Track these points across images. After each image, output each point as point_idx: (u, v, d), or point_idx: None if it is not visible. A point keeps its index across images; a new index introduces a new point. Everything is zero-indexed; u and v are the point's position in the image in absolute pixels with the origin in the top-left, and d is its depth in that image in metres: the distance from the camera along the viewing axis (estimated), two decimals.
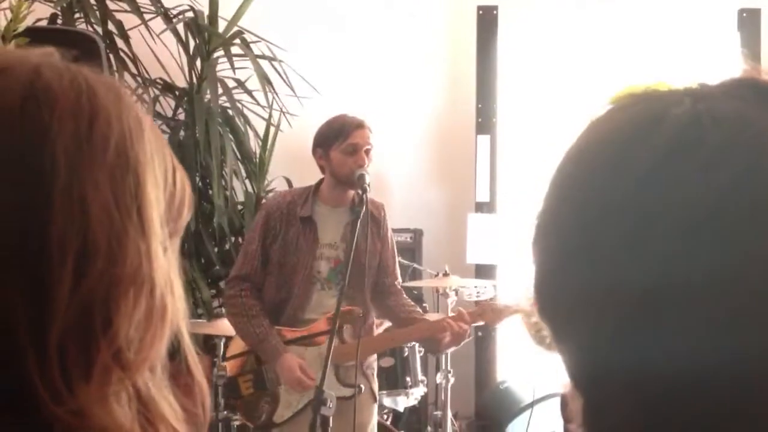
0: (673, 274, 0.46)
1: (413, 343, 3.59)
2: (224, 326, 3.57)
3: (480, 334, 4.73)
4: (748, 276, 0.46)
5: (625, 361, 0.48)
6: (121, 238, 0.60)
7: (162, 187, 0.65)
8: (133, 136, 0.63)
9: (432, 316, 3.32)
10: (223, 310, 3.18)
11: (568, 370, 0.52)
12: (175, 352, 0.67)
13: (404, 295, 3.20)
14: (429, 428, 4.17)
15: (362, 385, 2.98)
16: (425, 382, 3.65)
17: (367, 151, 2.99)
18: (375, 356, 3.17)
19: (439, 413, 4.01)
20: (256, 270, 3.00)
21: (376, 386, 3.15)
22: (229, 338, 3.87)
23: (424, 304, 4.15)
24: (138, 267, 0.60)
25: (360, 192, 2.91)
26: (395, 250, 3.20)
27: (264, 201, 3.87)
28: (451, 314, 3.17)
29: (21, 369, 0.56)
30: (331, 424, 2.63)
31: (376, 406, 3.12)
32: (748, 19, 4.81)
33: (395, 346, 3.31)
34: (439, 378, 3.95)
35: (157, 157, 0.65)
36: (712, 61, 4.74)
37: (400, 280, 3.21)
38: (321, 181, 3.10)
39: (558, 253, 0.52)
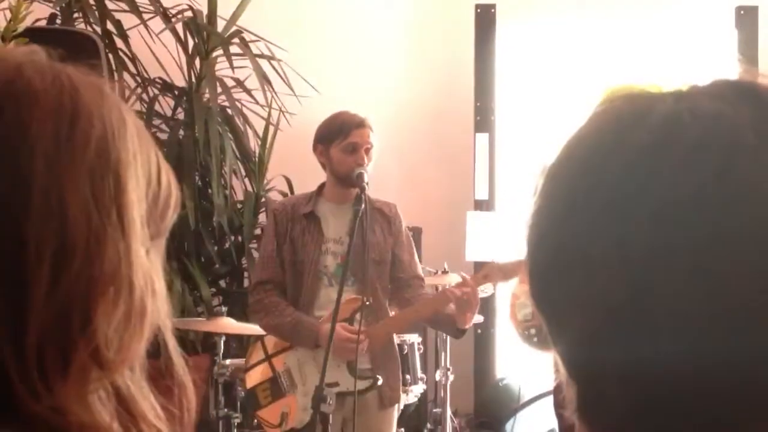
0: (656, 271, 0.47)
1: (415, 336, 3.59)
2: (224, 324, 3.58)
3: (479, 331, 4.74)
4: (730, 270, 0.47)
5: (617, 357, 0.49)
6: (99, 238, 0.60)
7: (144, 188, 0.65)
8: (116, 136, 0.63)
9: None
10: (251, 318, 3.16)
11: (563, 362, 0.53)
12: (158, 351, 0.68)
13: (424, 290, 3.18)
14: (429, 425, 4.19)
15: (379, 376, 2.98)
16: (425, 380, 3.66)
17: (367, 150, 2.99)
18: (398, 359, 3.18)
19: (438, 410, 4.03)
20: (276, 272, 3.00)
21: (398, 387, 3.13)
22: (230, 337, 3.89)
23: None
24: (117, 267, 0.60)
25: (359, 191, 2.92)
26: (412, 247, 3.19)
27: (269, 204, 3.87)
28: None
29: (2, 367, 0.57)
30: (331, 421, 2.63)
31: (393, 412, 3.10)
32: (746, 17, 4.82)
33: (405, 329, 3.29)
34: (438, 375, 3.96)
35: (140, 156, 0.65)
36: (710, 58, 4.75)
37: (421, 274, 3.18)
38: (324, 183, 3.12)
39: (550, 252, 0.53)
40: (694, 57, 4.73)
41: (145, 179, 0.65)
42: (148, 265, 0.64)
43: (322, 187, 3.11)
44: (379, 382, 2.96)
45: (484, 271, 3.09)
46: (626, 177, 0.49)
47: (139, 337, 0.63)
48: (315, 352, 2.90)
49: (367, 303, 2.91)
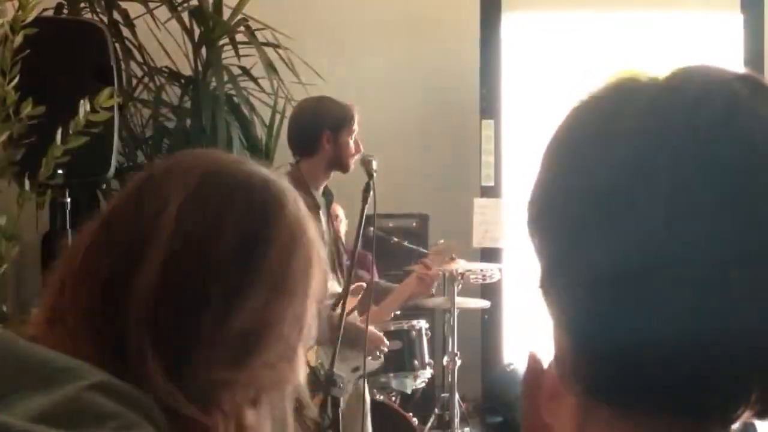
0: (658, 251, 0.49)
1: (423, 322, 3.63)
2: None
3: (486, 316, 4.76)
4: (747, 219, 0.48)
5: (632, 328, 0.49)
6: (297, 292, 0.79)
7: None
8: (306, 228, 0.83)
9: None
10: None
11: (570, 336, 0.54)
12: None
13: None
14: (436, 410, 4.21)
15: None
16: (432, 365, 3.68)
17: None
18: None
19: (446, 395, 4.05)
20: None
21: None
22: None
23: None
24: (301, 315, 0.78)
25: (368, 177, 2.93)
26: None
27: None
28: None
29: (192, 361, 0.71)
30: (342, 405, 2.66)
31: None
32: (752, 1, 4.81)
33: (388, 316, 3.38)
34: (446, 360, 3.98)
35: (316, 247, 0.85)
36: (715, 43, 4.74)
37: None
38: (297, 168, 3.06)
39: (563, 221, 0.53)
40: (700, 44, 4.72)
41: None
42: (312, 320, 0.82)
43: (296, 175, 3.00)
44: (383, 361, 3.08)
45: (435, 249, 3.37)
46: (629, 151, 0.50)
47: (293, 374, 0.79)
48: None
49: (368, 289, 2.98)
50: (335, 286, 2.91)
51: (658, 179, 0.49)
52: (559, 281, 0.54)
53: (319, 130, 2.98)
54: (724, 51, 4.67)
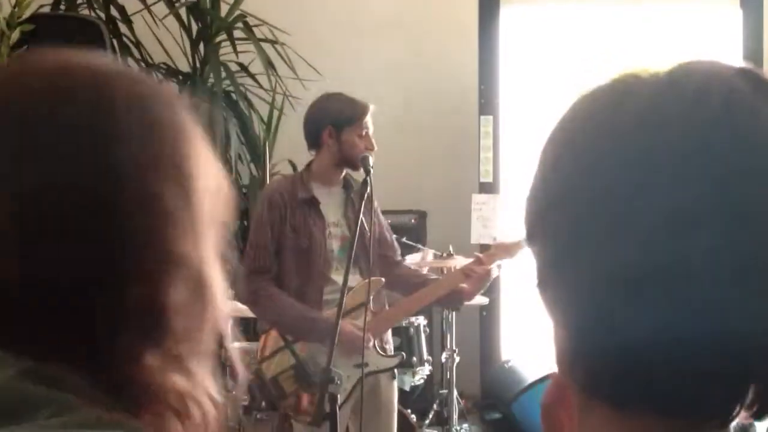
0: (657, 252, 0.48)
1: (421, 318, 3.61)
2: (230, 308, 3.60)
3: (484, 313, 4.76)
4: (731, 253, 0.48)
5: (633, 330, 0.49)
6: (180, 236, 0.64)
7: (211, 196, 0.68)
8: (188, 141, 0.66)
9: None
10: (250, 309, 3.11)
11: (570, 337, 0.54)
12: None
13: (405, 260, 3.25)
14: (435, 407, 4.21)
15: (402, 353, 3.04)
16: (431, 361, 3.68)
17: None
18: (390, 332, 3.19)
19: (444, 392, 4.05)
20: (270, 260, 2.97)
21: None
22: (236, 320, 3.90)
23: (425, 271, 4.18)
24: (191, 262, 0.65)
25: (364, 173, 2.92)
26: (386, 222, 3.25)
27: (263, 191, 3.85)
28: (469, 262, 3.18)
29: (99, 339, 0.62)
30: (340, 401, 2.65)
31: (395, 383, 3.13)
32: None
33: (423, 307, 3.31)
34: (444, 357, 3.98)
35: (206, 164, 0.68)
36: (714, 38, 4.74)
37: (399, 251, 3.24)
38: (310, 164, 3.09)
39: (562, 223, 0.53)
40: (699, 38, 4.72)
41: (211, 183, 0.67)
42: (214, 263, 0.68)
43: (307, 170, 3.08)
44: (403, 359, 3.03)
45: (492, 250, 3.19)
46: (629, 145, 0.50)
47: (208, 328, 0.68)
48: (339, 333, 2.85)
49: (383, 284, 2.98)
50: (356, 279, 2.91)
51: (657, 180, 0.49)
52: (558, 281, 0.54)
53: (321, 126, 2.99)
54: (723, 46, 4.67)
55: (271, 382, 2.97)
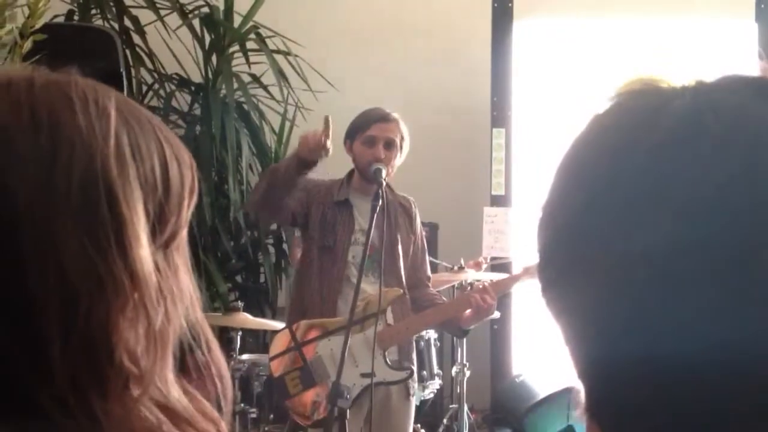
0: (679, 270, 0.47)
1: (432, 332, 3.60)
2: (240, 319, 3.59)
3: (495, 327, 4.73)
4: (750, 264, 0.46)
5: (634, 354, 0.48)
6: (101, 273, 0.59)
7: (150, 192, 0.63)
8: (103, 155, 0.60)
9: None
10: (255, 191, 3.07)
11: (574, 359, 0.52)
12: (191, 348, 0.68)
13: (430, 289, 3.21)
14: (445, 421, 4.18)
15: (413, 367, 3.01)
16: (441, 375, 3.65)
17: (389, 144, 2.99)
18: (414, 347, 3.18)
19: (455, 406, 4.02)
20: (301, 185, 2.95)
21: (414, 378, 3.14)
22: (246, 332, 3.89)
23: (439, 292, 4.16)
24: (126, 294, 0.60)
25: (376, 186, 2.92)
26: (425, 245, 3.22)
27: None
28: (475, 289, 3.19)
29: (39, 406, 0.58)
30: (348, 416, 2.63)
31: (412, 403, 3.10)
32: (766, 10, 4.78)
33: (427, 328, 3.31)
34: (455, 371, 3.95)
35: (137, 161, 0.62)
36: (730, 52, 4.71)
37: (429, 275, 3.22)
38: (353, 170, 3.12)
39: (567, 248, 0.52)
40: (714, 51, 4.70)
41: (149, 182, 0.63)
42: (163, 271, 0.63)
43: (351, 175, 3.11)
44: (414, 374, 3.00)
45: (499, 283, 3.19)
46: (648, 175, 0.48)
47: (164, 348, 0.63)
48: (351, 340, 2.83)
49: (402, 295, 2.97)
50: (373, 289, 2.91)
51: (666, 214, 0.48)
52: (563, 296, 0.52)
53: (345, 139, 3.04)
54: (738, 59, 4.64)
55: (278, 380, 2.97)
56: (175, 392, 0.65)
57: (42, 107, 0.61)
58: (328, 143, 2.81)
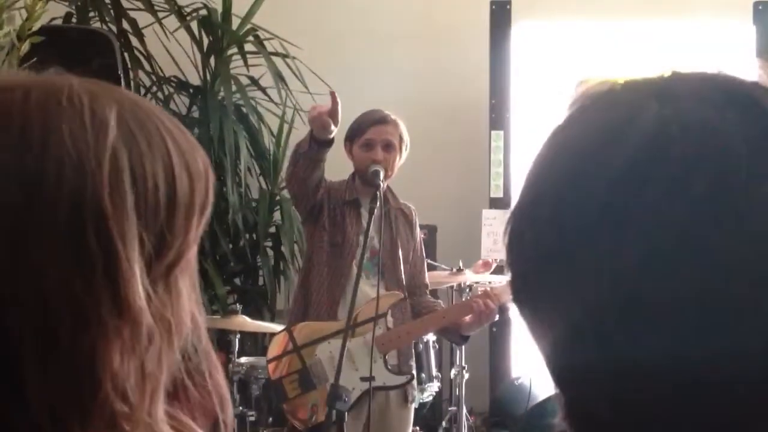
0: (647, 283, 0.46)
1: (431, 335, 3.59)
2: (239, 322, 3.58)
3: (494, 329, 4.72)
4: (718, 287, 0.45)
5: (600, 362, 0.48)
6: (86, 306, 0.55)
7: (145, 220, 0.57)
8: (92, 182, 0.55)
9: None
10: (289, 171, 3.07)
11: (546, 366, 0.52)
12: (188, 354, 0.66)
13: (428, 297, 3.21)
14: (444, 424, 4.17)
15: (413, 372, 3.00)
16: (440, 378, 3.65)
17: (387, 147, 2.99)
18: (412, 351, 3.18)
19: (453, 409, 4.01)
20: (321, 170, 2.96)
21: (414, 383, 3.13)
22: (245, 335, 3.88)
23: (439, 300, 4.15)
24: (114, 329, 0.56)
25: (374, 188, 2.91)
26: (423, 254, 3.22)
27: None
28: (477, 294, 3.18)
29: None
30: (347, 421, 2.63)
31: (410, 409, 3.09)
32: (764, 12, 4.78)
33: (427, 333, 3.30)
34: (453, 373, 3.95)
35: (132, 189, 0.57)
36: (727, 54, 4.71)
37: (427, 282, 3.21)
38: (354, 173, 3.12)
39: (535, 257, 0.52)
40: (711, 53, 4.69)
41: (150, 207, 0.58)
42: (161, 304, 0.59)
43: (354, 177, 3.10)
44: (414, 379, 2.99)
45: (499, 289, 3.17)
46: (615, 192, 0.48)
47: (155, 384, 0.59)
48: (350, 344, 2.83)
49: (403, 299, 2.97)
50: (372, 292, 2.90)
51: (640, 221, 0.47)
52: (533, 315, 0.53)
53: (345, 142, 3.05)
54: (736, 62, 4.63)
55: (276, 383, 2.96)
56: (165, 416, 0.61)
57: (34, 123, 0.56)
58: (337, 118, 2.83)
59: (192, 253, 0.62)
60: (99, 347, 0.55)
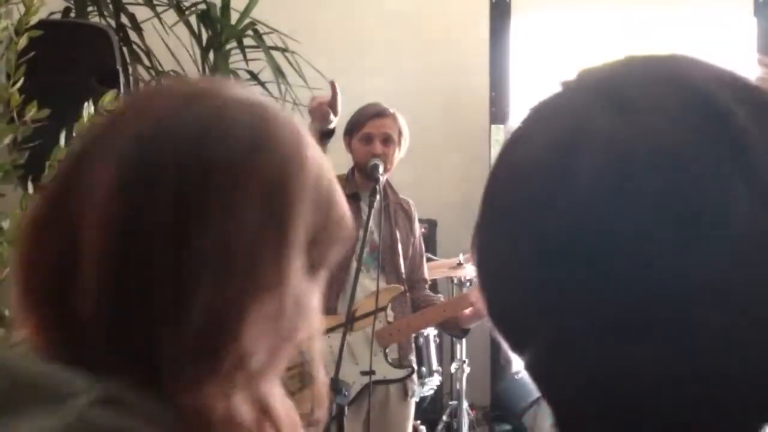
0: (597, 313, 0.47)
1: (431, 329, 3.59)
2: None
3: None
4: (679, 316, 0.45)
5: (577, 370, 0.49)
6: (260, 257, 0.64)
7: (312, 218, 0.68)
8: (293, 169, 0.68)
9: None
10: None
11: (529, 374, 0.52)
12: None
13: (427, 291, 3.20)
14: (445, 418, 4.17)
15: (413, 366, 3.00)
16: (440, 372, 3.65)
17: (386, 140, 2.98)
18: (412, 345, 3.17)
19: (454, 403, 4.01)
20: None
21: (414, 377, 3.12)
22: None
23: (438, 294, 4.15)
24: (272, 286, 0.64)
25: (373, 182, 2.91)
26: (423, 249, 3.21)
27: None
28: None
29: (159, 359, 0.61)
30: (347, 413, 2.62)
31: (411, 404, 3.09)
32: (765, 5, 4.77)
33: (428, 326, 3.30)
34: (454, 367, 3.95)
35: (314, 189, 0.69)
36: (728, 47, 4.70)
37: (426, 277, 3.21)
38: (353, 167, 3.11)
39: (499, 277, 0.53)
40: (712, 47, 4.68)
41: (315, 209, 0.69)
42: (303, 287, 0.67)
43: (352, 171, 3.09)
44: (414, 373, 2.98)
45: None
46: (570, 230, 0.47)
47: (281, 353, 0.67)
48: (350, 338, 2.83)
49: (403, 292, 2.96)
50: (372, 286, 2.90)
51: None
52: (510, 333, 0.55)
53: (344, 136, 3.04)
54: (737, 54, 4.63)
55: None
56: (279, 398, 0.71)
57: (262, 115, 0.70)
58: (336, 108, 2.83)
59: (323, 273, 0.73)
60: (253, 300, 0.63)
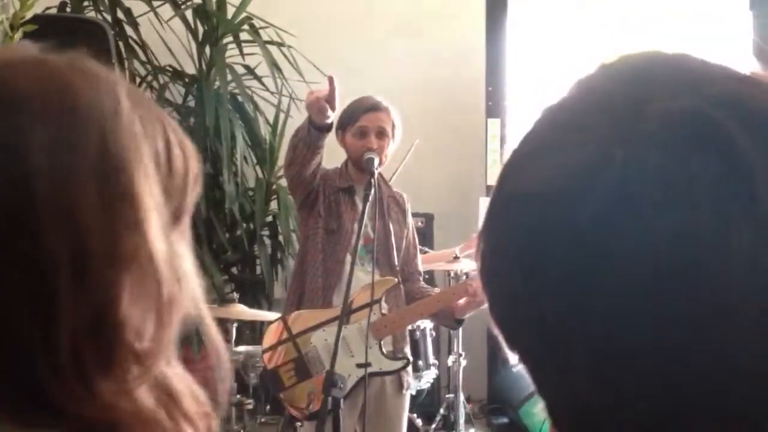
0: (615, 332, 0.46)
1: (427, 322, 3.60)
2: (236, 311, 3.58)
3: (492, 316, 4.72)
4: (692, 333, 0.45)
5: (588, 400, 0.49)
6: (114, 237, 0.59)
7: (155, 172, 0.62)
8: (116, 127, 0.60)
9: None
10: (290, 150, 3.02)
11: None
12: (191, 337, 0.69)
13: (422, 284, 3.20)
14: (441, 411, 4.18)
15: (409, 357, 2.99)
16: (437, 365, 3.65)
17: (380, 134, 2.98)
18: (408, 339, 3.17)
19: (451, 396, 4.02)
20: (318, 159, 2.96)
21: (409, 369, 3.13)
22: (243, 324, 3.89)
23: (435, 288, 4.15)
24: (137, 263, 0.59)
25: (368, 176, 2.91)
26: (416, 241, 3.21)
27: None
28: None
29: (38, 377, 0.57)
30: (342, 406, 2.62)
31: (406, 396, 3.09)
32: None
33: (422, 318, 3.30)
34: (451, 360, 3.95)
35: (146, 140, 0.62)
36: (725, 40, 4.70)
37: (421, 270, 3.21)
38: (347, 161, 3.10)
39: (504, 297, 0.53)
40: (709, 40, 4.69)
41: (155, 162, 0.62)
42: (170, 251, 0.62)
43: (347, 164, 3.10)
44: (409, 364, 2.98)
45: None
46: (583, 256, 0.47)
47: (170, 326, 0.62)
48: (345, 331, 2.82)
49: (397, 283, 2.95)
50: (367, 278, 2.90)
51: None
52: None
53: (335, 132, 3.03)
54: (734, 48, 4.63)
55: (272, 372, 2.95)
56: (175, 372, 0.64)
57: (54, 70, 0.62)
58: (334, 103, 2.81)
59: (187, 221, 0.67)
60: (120, 284, 0.59)
